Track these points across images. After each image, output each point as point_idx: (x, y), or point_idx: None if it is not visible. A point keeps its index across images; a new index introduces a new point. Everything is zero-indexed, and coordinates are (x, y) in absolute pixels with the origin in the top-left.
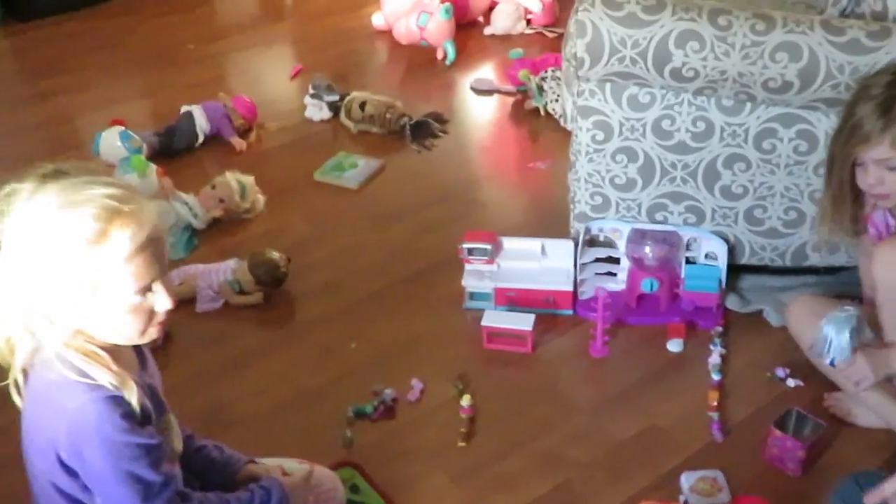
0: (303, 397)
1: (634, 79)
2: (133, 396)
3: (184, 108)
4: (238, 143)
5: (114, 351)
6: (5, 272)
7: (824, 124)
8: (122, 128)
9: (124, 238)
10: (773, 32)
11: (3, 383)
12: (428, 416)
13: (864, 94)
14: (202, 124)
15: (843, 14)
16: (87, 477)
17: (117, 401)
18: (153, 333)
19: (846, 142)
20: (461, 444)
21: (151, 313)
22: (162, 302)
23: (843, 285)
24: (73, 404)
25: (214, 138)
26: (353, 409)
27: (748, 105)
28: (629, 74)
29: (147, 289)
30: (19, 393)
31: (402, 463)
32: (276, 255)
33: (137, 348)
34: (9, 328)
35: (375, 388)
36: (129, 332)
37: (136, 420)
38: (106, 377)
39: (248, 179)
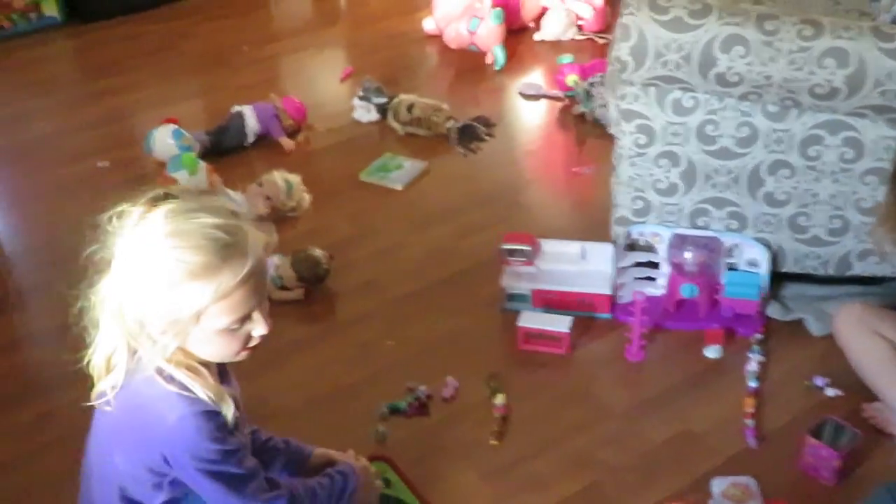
0: (339, 393)
1: (678, 83)
2: (230, 411)
3: (234, 108)
4: (287, 143)
5: (207, 365)
6: (113, 292)
7: (871, 132)
8: (175, 126)
9: (228, 273)
10: (820, 38)
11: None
12: (461, 413)
13: None
14: (252, 124)
15: (895, 21)
16: (184, 478)
17: (214, 414)
18: (245, 355)
19: None
20: (493, 442)
21: (248, 338)
22: (259, 329)
23: (888, 296)
24: (174, 415)
25: (264, 138)
26: (387, 406)
27: (794, 111)
28: (673, 79)
29: (247, 318)
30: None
31: (434, 459)
32: (318, 252)
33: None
34: (111, 346)
35: (410, 385)
36: (225, 354)
37: (229, 430)
38: (205, 391)
39: (295, 178)
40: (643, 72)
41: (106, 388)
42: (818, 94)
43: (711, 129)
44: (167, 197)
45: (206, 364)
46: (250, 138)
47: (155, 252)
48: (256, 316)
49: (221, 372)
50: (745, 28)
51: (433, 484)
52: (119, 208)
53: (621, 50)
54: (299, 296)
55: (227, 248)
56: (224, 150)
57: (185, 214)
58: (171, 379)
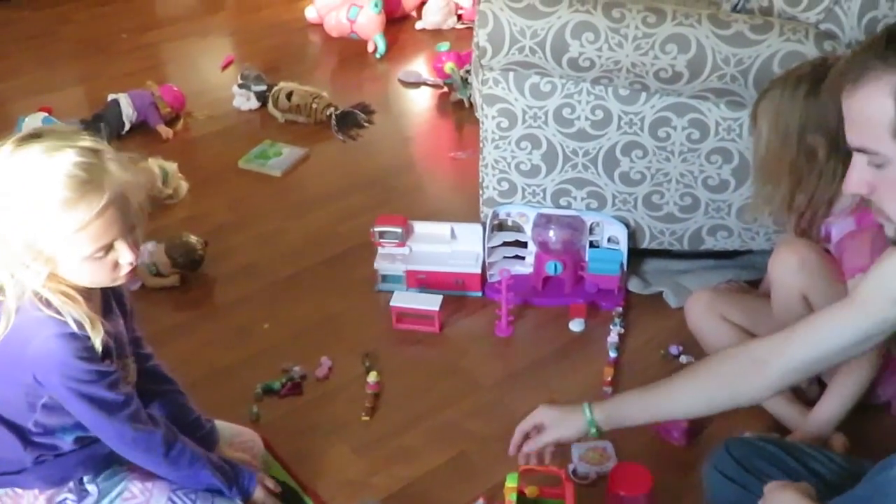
0: (214, 375)
1: (535, 68)
2: (98, 337)
3: (111, 97)
4: (164, 131)
5: (85, 293)
6: None
7: (714, 114)
8: (46, 114)
9: (84, 206)
10: (662, 25)
11: None
12: (334, 392)
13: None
14: (128, 112)
15: (735, 9)
16: (58, 398)
17: (79, 337)
18: (121, 279)
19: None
20: (365, 418)
21: (115, 264)
22: (125, 257)
23: (740, 269)
24: (42, 335)
25: (142, 126)
26: (261, 386)
27: (643, 94)
28: (529, 64)
29: (109, 247)
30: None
31: (307, 436)
32: (193, 238)
33: (105, 297)
34: None
35: (285, 367)
36: (97, 279)
37: (96, 354)
38: (73, 316)
39: (171, 166)
40: (501, 57)
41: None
42: (663, 79)
43: (568, 112)
44: (35, 136)
45: (87, 293)
46: (127, 126)
47: (19, 187)
48: (119, 245)
49: (106, 304)
50: (593, 15)
51: (306, 460)
52: None
53: (480, 36)
54: (175, 282)
55: (84, 185)
56: (101, 138)
57: (49, 153)
58: (47, 303)
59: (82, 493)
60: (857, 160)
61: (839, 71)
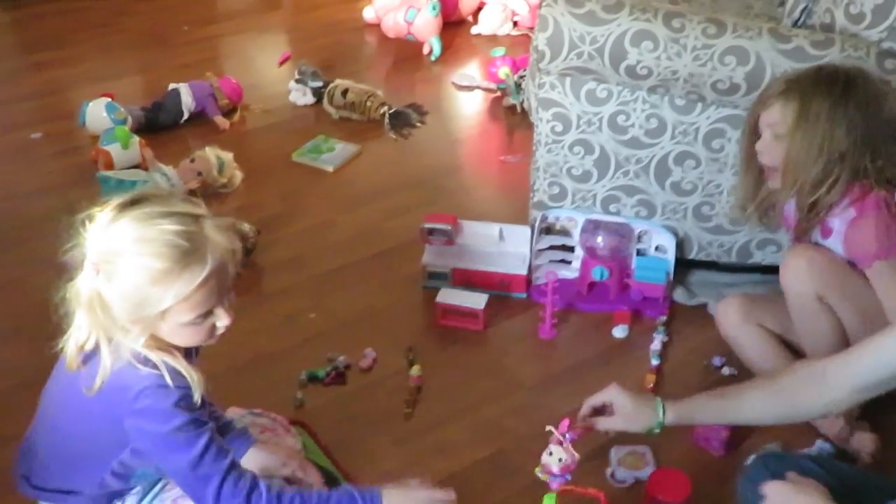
0: (260, 360)
1: (592, 74)
2: (198, 391)
3: (171, 86)
4: (221, 121)
5: (177, 347)
6: (85, 289)
7: None
8: (109, 100)
9: (187, 277)
10: (723, 37)
11: None
12: (377, 383)
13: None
14: (188, 102)
15: (796, 24)
16: (144, 448)
17: (177, 388)
18: (213, 341)
19: (753, 106)
20: (406, 410)
21: (213, 328)
22: (222, 321)
23: None
24: (140, 385)
25: (200, 116)
26: (306, 373)
27: (699, 105)
28: (587, 69)
29: (209, 313)
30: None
31: (349, 425)
32: (246, 226)
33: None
34: (83, 337)
35: (330, 356)
36: (193, 341)
37: (195, 405)
38: (172, 367)
39: (227, 155)
40: (559, 62)
41: (95, 376)
42: (720, 90)
43: (623, 119)
44: (136, 202)
45: (175, 346)
46: (185, 115)
47: (121, 257)
48: (218, 311)
49: (187, 353)
50: (653, 24)
51: (347, 448)
52: (91, 212)
53: (539, 40)
54: None
55: (186, 255)
56: (160, 126)
57: (150, 221)
58: (145, 360)
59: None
60: None
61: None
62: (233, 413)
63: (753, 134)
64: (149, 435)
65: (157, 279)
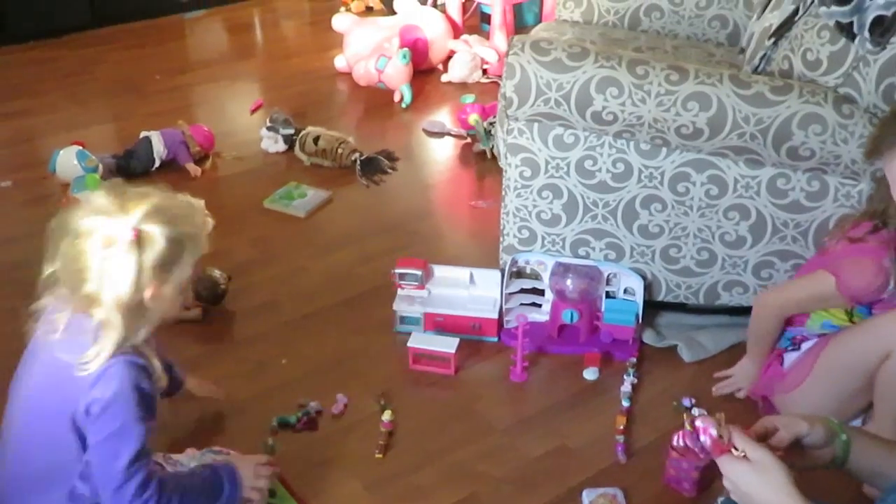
0: (232, 407)
1: (559, 120)
2: (158, 387)
3: (143, 134)
4: (193, 169)
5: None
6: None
7: (733, 171)
8: (80, 148)
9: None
10: (685, 83)
11: None
12: (349, 428)
13: None
14: (159, 149)
15: (756, 71)
16: (90, 430)
17: (150, 376)
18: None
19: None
20: (378, 455)
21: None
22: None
23: None
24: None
25: (171, 164)
26: (277, 420)
27: (664, 149)
28: (554, 115)
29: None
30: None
31: (320, 471)
32: (217, 272)
33: None
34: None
35: (301, 402)
36: (174, 312)
37: (153, 399)
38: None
39: (199, 203)
40: (527, 108)
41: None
42: (684, 135)
43: (590, 164)
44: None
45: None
46: (157, 163)
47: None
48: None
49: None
50: (618, 71)
51: (318, 494)
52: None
53: (507, 87)
54: (197, 315)
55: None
56: (131, 173)
57: (175, 213)
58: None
59: None
60: None
61: None
62: (191, 452)
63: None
64: (101, 403)
65: (193, 261)
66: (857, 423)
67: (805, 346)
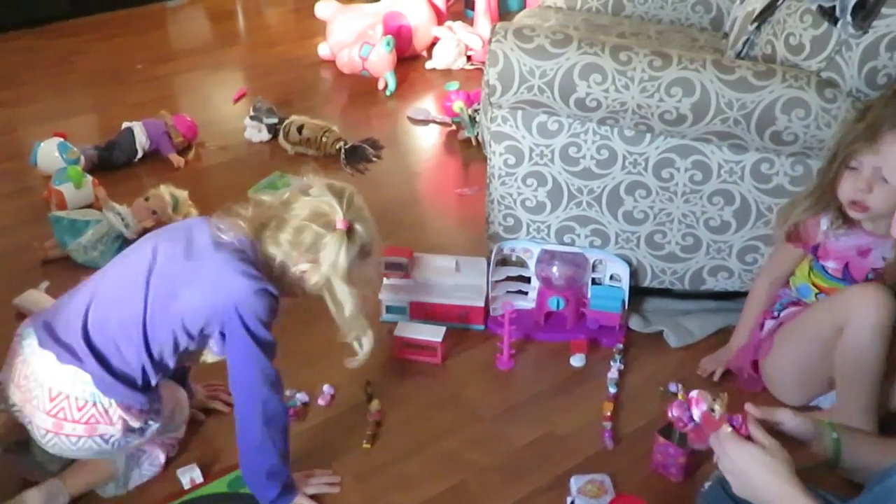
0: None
1: (543, 107)
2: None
3: (125, 125)
4: (176, 159)
5: None
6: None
7: (717, 156)
8: (61, 139)
9: None
10: (668, 69)
11: None
12: (336, 419)
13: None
14: (142, 140)
15: (739, 56)
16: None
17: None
18: None
19: (849, 143)
20: (366, 445)
21: None
22: None
23: (740, 311)
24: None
25: (154, 154)
26: None
27: (648, 136)
28: (538, 103)
29: None
30: None
31: (309, 462)
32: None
33: None
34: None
35: (288, 393)
36: None
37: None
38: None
39: (182, 193)
40: (510, 96)
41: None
42: (667, 120)
43: (574, 150)
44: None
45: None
46: (140, 154)
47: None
48: None
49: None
50: (601, 58)
51: None
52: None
53: (490, 75)
54: None
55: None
56: (114, 164)
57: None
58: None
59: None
60: None
61: None
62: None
63: (842, 167)
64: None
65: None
66: (826, 400)
67: (783, 314)
